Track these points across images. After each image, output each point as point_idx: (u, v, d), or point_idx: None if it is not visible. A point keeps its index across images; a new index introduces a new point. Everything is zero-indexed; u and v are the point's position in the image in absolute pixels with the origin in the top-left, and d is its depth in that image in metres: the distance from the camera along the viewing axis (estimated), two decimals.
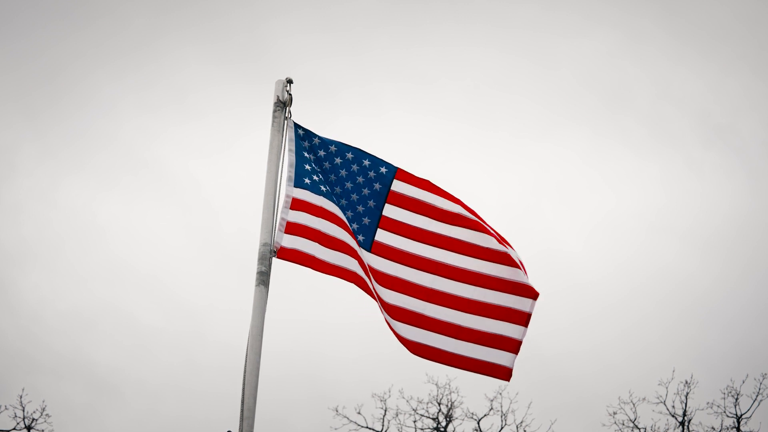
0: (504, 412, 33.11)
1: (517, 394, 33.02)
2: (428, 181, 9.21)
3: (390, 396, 33.37)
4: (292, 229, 8.75)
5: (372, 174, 9.12)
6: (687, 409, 32.71)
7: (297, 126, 9.15)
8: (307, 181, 8.93)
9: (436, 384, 33.32)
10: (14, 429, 31.11)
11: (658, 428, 32.73)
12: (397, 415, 33.30)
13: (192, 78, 52.33)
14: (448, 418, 33.28)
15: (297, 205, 8.82)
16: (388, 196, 9.11)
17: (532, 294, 8.94)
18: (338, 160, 9.12)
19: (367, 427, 33.08)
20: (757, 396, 32.47)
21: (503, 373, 8.91)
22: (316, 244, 8.78)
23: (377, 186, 9.10)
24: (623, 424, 32.79)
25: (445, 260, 9.00)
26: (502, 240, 9.12)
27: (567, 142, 53.93)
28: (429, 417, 33.34)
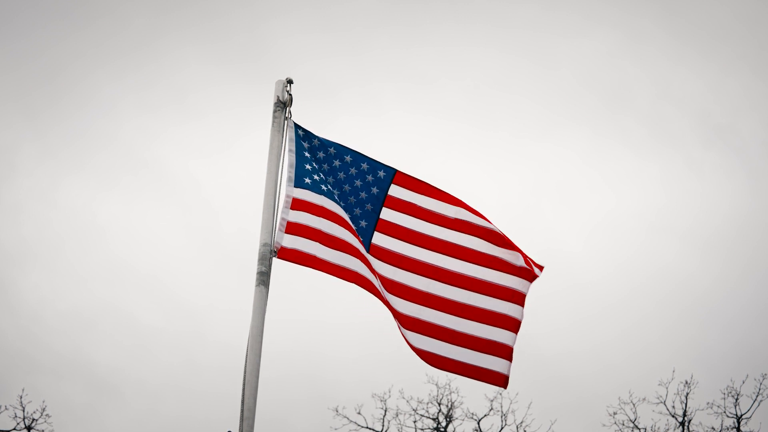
0: (504, 412, 33.12)
1: (517, 394, 33.03)
2: (427, 184, 9.20)
3: (390, 396, 33.39)
4: (293, 229, 8.75)
5: (370, 178, 9.12)
6: (687, 409, 32.72)
7: (297, 126, 9.15)
8: (307, 180, 8.93)
9: (436, 384, 33.33)
10: (14, 429, 31.11)
11: (658, 428, 32.75)
12: (397, 416, 33.31)
13: (192, 78, 52.35)
14: (448, 418, 33.28)
15: (297, 205, 8.82)
16: (385, 200, 9.11)
17: (521, 301, 8.96)
18: (337, 163, 9.12)
19: (367, 428, 33.08)
20: (757, 396, 32.47)
21: (499, 379, 8.90)
22: (317, 243, 8.78)
23: (375, 190, 9.11)
24: (623, 425, 32.80)
25: (441, 264, 9.01)
26: (505, 243, 9.10)
27: (567, 142, 53.94)
28: (429, 417, 33.34)
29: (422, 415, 33.27)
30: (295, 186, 8.88)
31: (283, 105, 9.15)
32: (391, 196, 9.14)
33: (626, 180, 52.26)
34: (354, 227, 8.97)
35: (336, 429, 32.90)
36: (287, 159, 8.98)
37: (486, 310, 8.90)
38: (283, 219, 8.77)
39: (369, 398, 33.48)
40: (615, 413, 32.83)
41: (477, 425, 33.21)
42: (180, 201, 51.33)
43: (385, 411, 33.24)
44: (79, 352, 43.19)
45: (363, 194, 9.11)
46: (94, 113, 50.00)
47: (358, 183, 9.11)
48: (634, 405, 32.86)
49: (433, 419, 33.34)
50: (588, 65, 54.37)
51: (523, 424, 32.90)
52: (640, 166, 52.37)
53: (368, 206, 9.07)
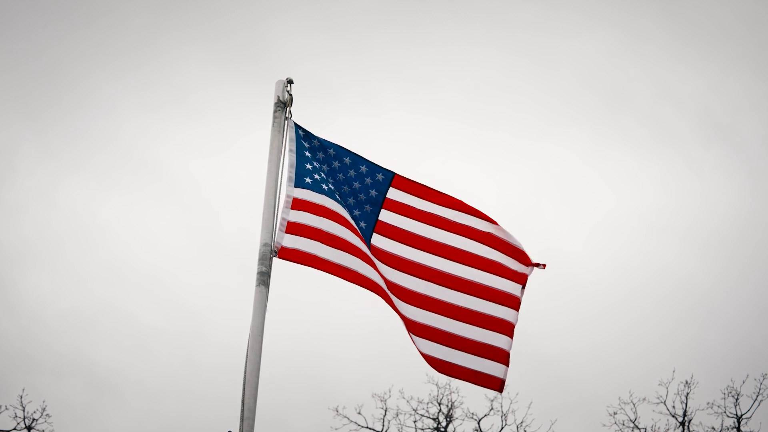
0: (504, 412, 33.12)
1: (517, 394, 33.04)
2: (425, 187, 9.20)
3: (390, 396, 33.39)
4: (293, 228, 8.75)
5: (368, 180, 9.13)
6: (687, 409, 32.72)
7: (297, 126, 9.15)
8: (308, 180, 8.93)
9: (436, 384, 33.34)
10: (14, 429, 31.12)
11: (659, 428, 32.75)
12: (397, 416, 33.31)
13: (192, 78, 52.35)
14: (449, 418, 33.28)
15: (298, 204, 8.82)
16: (384, 203, 9.11)
17: (516, 305, 8.96)
18: (336, 164, 9.13)
19: (367, 427, 33.08)
20: (757, 396, 32.47)
21: (495, 383, 8.88)
22: (318, 243, 8.78)
23: (373, 192, 9.11)
24: (623, 425, 32.80)
25: (439, 267, 9.01)
26: (504, 247, 9.10)
27: (567, 142, 53.93)
28: (429, 417, 33.34)
29: (422, 415, 33.29)
30: (296, 186, 8.88)
31: (283, 105, 9.16)
32: (389, 199, 9.14)
33: (626, 180, 52.28)
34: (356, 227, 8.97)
35: (336, 429, 32.93)
36: (287, 159, 8.98)
37: (483, 314, 8.90)
38: (283, 219, 8.77)
39: (369, 398, 33.51)
40: (615, 413, 32.85)
41: (477, 425, 33.22)
42: (180, 201, 51.35)
43: (386, 411, 33.26)
44: (79, 352, 43.21)
45: (362, 195, 9.11)
46: (94, 113, 50.03)
47: (356, 185, 9.11)
48: (634, 405, 32.88)
49: (434, 419, 33.34)
50: (588, 65, 54.40)
51: (524, 424, 32.93)
52: (640, 166, 52.39)
53: (367, 207, 9.08)
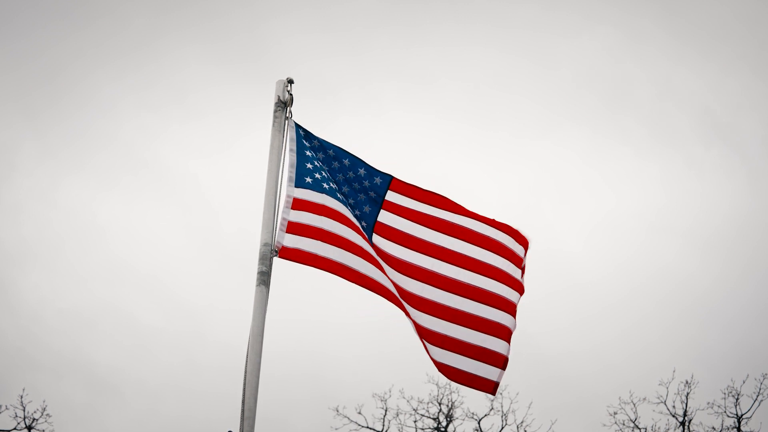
0: (504, 412, 33.12)
1: (517, 394, 33.04)
2: (423, 190, 9.21)
3: (390, 396, 33.40)
4: (294, 228, 8.75)
5: (367, 183, 9.15)
6: (687, 409, 32.72)
7: (298, 126, 9.15)
8: (308, 180, 8.93)
9: (436, 384, 33.34)
10: (15, 429, 31.12)
11: (659, 428, 32.75)
12: (397, 415, 33.31)
13: (192, 78, 52.36)
14: (449, 418, 33.28)
15: (298, 204, 8.82)
16: (383, 204, 9.13)
17: (512, 310, 8.97)
18: (335, 164, 9.14)
19: (367, 427, 33.08)
20: (757, 396, 32.47)
21: (488, 386, 8.90)
22: (319, 242, 8.78)
23: (372, 194, 9.13)
24: (624, 424, 32.80)
25: (436, 269, 9.02)
26: (503, 250, 9.11)
27: (567, 142, 53.96)
28: (429, 417, 33.34)
29: (423, 415, 33.29)
30: (296, 186, 8.88)
31: (283, 105, 9.15)
32: (388, 201, 9.15)
33: (626, 180, 52.29)
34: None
35: (336, 429, 32.93)
36: (288, 158, 8.98)
37: (478, 317, 8.91)
38: (284, 219, 8.76)
39: (369, 398, 33.52)
40: (615, 413, 32.85)
41: (477, 425, 33.22)
42: (180, 201, 51.35)
43: (386, 411, 33.26)
44: (79, 352, 43.22)
45: (362, 196, 9.12)
46: (94, 113, 50.05)
47: (356, 185, 9.13)
48: (634, 405, 32.88)
49: (434, 419, 33.35)
50: (588, 65, 54.40)
51: (524, 424, 32.93)
52: (640, 166, 52.40)
53: (366, 208, 9.09)
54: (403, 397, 33.32)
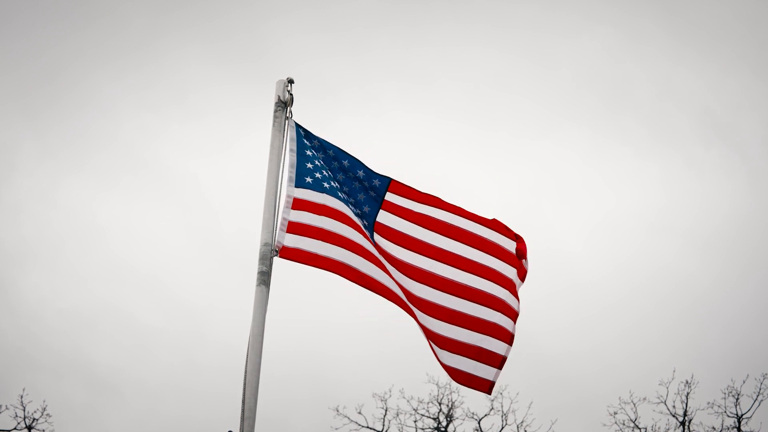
0: (504, 412, 33.13)
1: (517, 394, 33.05)
2: (421, 192, 9.22)
3: (391, 396, 33.41)
4: (295, 228, 8.75)
5: (366, 184, 9.16)
6: (687, 409, 32.73)
7: (298, 126, 9.15)
8: (308, 179, 8.93)
9: (436, 384, 33.36)
10: (15, 429, 31.13)
11: (659, 428, 32.76)
12: (397, 415, 33.32)
13: (192, 78, 52.37)
14: (449, 418, 33.29)
15: (298, 204, 8.82)
16: (382, 204, 9.14)
17: (513, 315, 8.97)
18: (335, 164, 9.14)
19: (367, 427, 33.08)
20: (757, 396, 32.49)
21: (484, 386, 8.93)
22: (320, 241, 8.78)
23: (372, 193, 9.14)
24: (624, 424, 32.81)
25: (434, 270, 9.03)
26: (501, 253, 9.11)
27: (567, 142, 53.97)
28: (430, 417, 33.35)
29: (423, 415, 33.30)
30: (296, 186, 8.88)
31: (284, 105, 9.15)
32: (387, 201, 9.17)
33: (626, 180, 52.31)
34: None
35: (337, 429, 32.94)
36: (288, 158, 8.97)
37: (477, 318, 8.93)
38: (284, 219, 8.76)
39: (370, 398, 33.53)
40: (615, 413, 32.86)
41: (477, 425, 33.23)
42: (180, 201, 51.36)
43: (386, 411, 33.27)
44: (79, 352, 43.22)
45: (361, 196, 9.13)
46: (94, 113, 50.06)
47: (356, 185, 9.14)
48: (634, 405, 32.90)
49: (434, 419, 33.35)
50: (588, 65, 54.40)
51: (524, 424, 32.94)
52: (640, 166, 52.42)
53: (366, 208, 9.10)
54: (403, 397, 33.36)
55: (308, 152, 9.07)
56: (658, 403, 32.76)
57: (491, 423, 33.30)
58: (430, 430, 33.26)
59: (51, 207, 48.94)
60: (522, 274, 9.17)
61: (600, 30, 54.47)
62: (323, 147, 9.17)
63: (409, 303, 8.89)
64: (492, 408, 33.17)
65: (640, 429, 32.71)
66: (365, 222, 9.05)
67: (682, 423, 32.57)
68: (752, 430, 32.36)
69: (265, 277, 8.47)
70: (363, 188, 9.15)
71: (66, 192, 49.59)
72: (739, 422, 32.35)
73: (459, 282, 9.01)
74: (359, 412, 33.12)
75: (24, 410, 31.12)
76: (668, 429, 32.71)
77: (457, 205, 9.30)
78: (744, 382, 32.61)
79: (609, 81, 53.42)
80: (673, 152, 53.35)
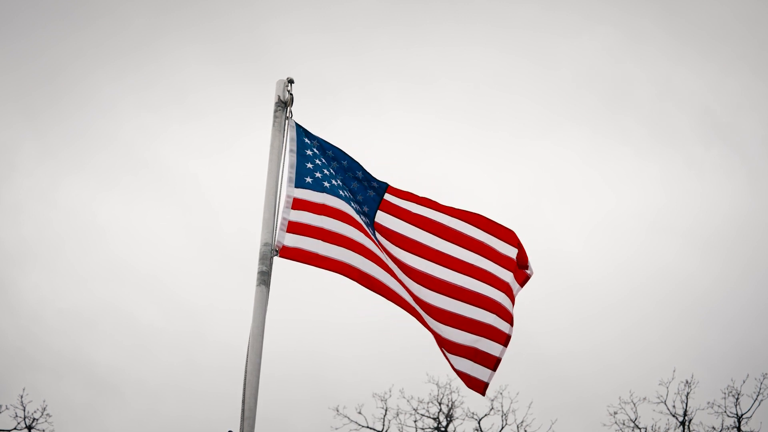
0: (504, 411, 33.13)
1: (517, 394, 33.07)
2: (419, 196, 9.24)
3: (391, 396, 33.41)
4: (295, 228, 8.75)
5: (365, 184, 9.18)
6: (687, 408, 32.73)
7: (298, 126, 9.15)
8: (308, 180, 8.93)
9: (436, 384, 33.37)
10: (15, 429, 31.13)
11: (659, 428, 32.76)
12: (397, 415, 33.32)
13: (192, 78, 52.38)
14: (449, 417, 33.29)
15: (298, 204, 8.82)
16: (380, 204, 9.15)
17: (509, 317, 8.98)
18: (335, 165, 9.15)
19: (367, 427, 33.09)
20: (757, 396, 32.49)
21: (477, 386, 8.95)
22: (320, 241, 8.78)
23: (371, 193, 9.16)
24: (624, 424, 32.82)
25: (429, 272, 9.04)
26: (497, 257, 9.12)
27: (567, 142, 53.98)
28: (430, 417, 33.35)
29: (423, 415, 33.30)
30: (296, 186, 8.88)
31: (284, 105, 9.15)
32: (386, 201, 9.18)
33: (626, 180, 52.32)
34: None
35: (337, 429, 32.94)
36: (288, 159, 8.97)
37: (472, 320, 8.95)
38: (284, 219, 8.76)
39: (370, 398, 33.54)
40: (615, 413, 32.87)
41: (477, 425, 33.23)
42: (180, 201, 51.37)
43: (386, 411, 33.27)
44: (79, 352, 43.23)
45: (360, 197, 9.14)
46: (94, 113, 50.07)
47: (355, 185, 9.15)
48: (634, 405, 32.90)
49: (434, 419, 33.35)
50: (588, 65, 54.41)
51: (524, 424, 32.94)
52: (640, 166, 52.43)
53: (365, 208, 9.11)
54: (403, 397, 33.36)
55: (308, 152, 9.07)
56: (658, 403, 32.79)
57: (491, 423, 33.33)
58: (430, 430, 33.27)
59: (51, 207, 48.98)
60: (521, 279, 9.18)
61: (600, 30, 54.50)
62: (323, 148, 9.17)
63: (413, 303, 8.90)
64: (492, 408, 33.20)
65: (640, 429, 32.72)
66: (366, 219, 9.06)
67: (682, 423, 32.58)
68: (752, 430, 32.39)
69: (265, 277, 8.47)
70: (363, 188, 9.17)
71: (66, 192, 49.64)
72: (739, 422, 32.36)
73: (454, 283, 9.02)
74: (359, 412, 33.15)
75: (24, 410, 31.15)
76: (668, 429, 32.74)
77: (456, 207, 9.32)
78: (744, 382, 32.64)
79: (609, 81, 53.46)
80: (673, 152, 53.39)
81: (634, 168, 52.03)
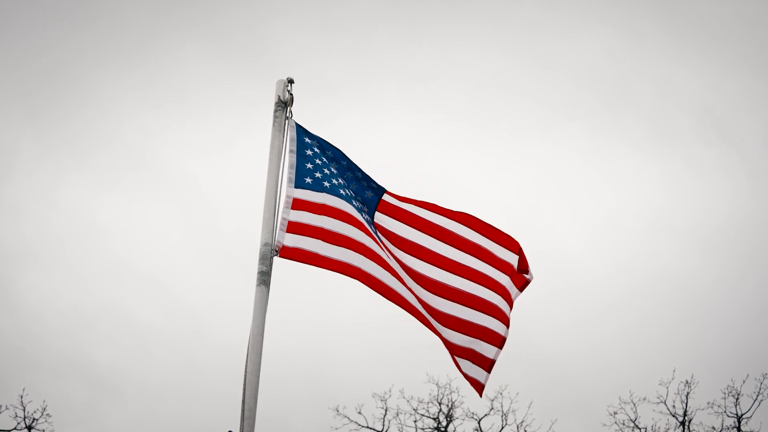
0: (504, 411, 33.13)
1: (517, 394, 33.06)
2: (416, 200, 9.24)
3: (390, 396, 33.42)
4: (294, 228, 8.75)
5: (364, 184, 9.19)
6: (687, 408, 32.73)
7: (298, 126, 9.15)
8: (308, 180, 8.93)
9: (436, 384, 33.36)
10: (15, 429, 31.13)
11: (659, 428, 32.76)
12: (397, 415, 33.32)
13: (192, 77, 52.39)
14: (449, 418, 33.29)
15: (298, 205, 8.82)
16: (378, 205, 9.16)
17: (506, 321, 8.99)
18: (335, 165, 9.16)
19: (367, 427, 33.09)
20: (757, 396, 32.50)
21: (476, 386, 8.98)
22: (319, 241, 8.78)
23: (369, 194, 9.16)
24: (624, 424, 32.82)
25: (425, 273, 9.05)
26: (494, 261, 9.12)
27: (567, 141, 53.98)
28: (429, 417, 33.35)
29: (423, 415, 33.30)
30: (296, 186, 8.88)
31: (284, 104, 9.14)
32: (384, 201, 9.20)
33: (626, 180, 52.33)
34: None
35: (336, 429, 32.94)
36: (288, 159, 8.97)
37: (467, 321, 8.96)
38: (283, 219, 8.76)
39: (369, 398, 33.54)
40: (615, 413, 32.87)
41: (477, 425, 33.23)
42: (180, 200, 51.38)
43: (386, 411, 33.27)
44: (79, 352, 43.24)
45: (359, 197, 9.15)
46: (94, 113, 50.08)
47: (353, 187, 9.15)
48: (634, 405, 32.90)
49: (434, 419, 33.35)
50: (588, 65, 54.41)
51: (524, 424, 32.94)
52: (640, 166, 52.44)
53: (365, 208, 9.11)
54: (403, 397, 33.37)
55: (308, 152, 9.07)
56: (658, 403, 32.79)
57: (491, 423, 33.33)
58: (430, 430, 33.27)
59: (51, 207, 48.98)
60: (520, 284, 9.17)
61: (600, 30, 54.51)
62: (322, 148, 9.17)
63: (414, 302, 8.91)
64: (492, 408, 33.20)
65: (640, 429, 32.72)
66: (368, 217, 9.07)
67: (682, 423, 32.58)
68: (752, 430, 32.40)
69: (265, 277, 8.47)
70: (362, 188, 9.17)
71: (66, 192, 49.64)
72: (739, 422, 32.36)
73: (449, 285, 9.03)
74: (359, 412, 33.15)
75: (24, 410, 31.15)
76: (668, 429, 32.74)
77: (455, 210, 9.33)
78: (744, 382, 32.65)
79: (609, 81, 53.47)
80: (673, 152, 53.38)
81: (634, 168, 52.07)
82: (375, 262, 8.84)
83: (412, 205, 9.24)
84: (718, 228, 48.27)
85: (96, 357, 42.70)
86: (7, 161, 48.20)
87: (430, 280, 9.04)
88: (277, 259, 8.62)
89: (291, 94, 9.18)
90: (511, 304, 9.10)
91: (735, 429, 32.34)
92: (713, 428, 32.35)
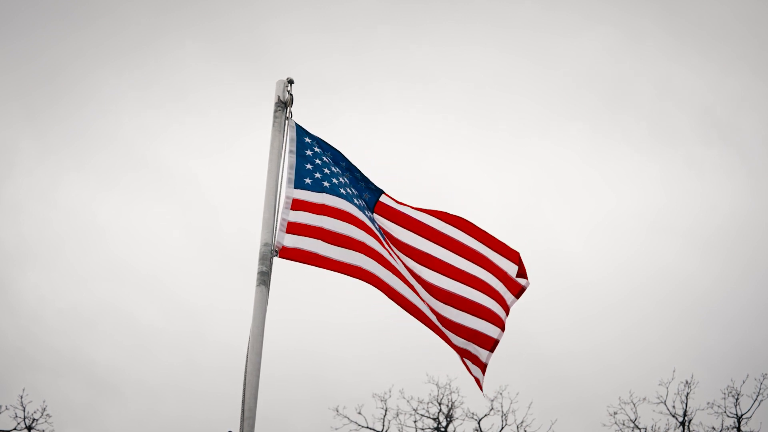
0: (504, 412, 33.12)
1: (517, 394, 33.05)
2: (411, 206, 9.27)
3: (390, 396, 33.42)
4: (294, 228, 8.75)
5: (362, 184, 9.20)
6: (687, 409, 32.74)
7: (298, 126, 9.15)
8: (307, 180, 8.94)
9: (436, 384, 33.36)
10: (15, 429, 31.13)
11: (659, 428, 32.77)
12: (397, 415, 33.32)
13: (192, 77, 52.39)
14: (449, 418, 33.29)
15: (298, 205, 8.82)
16: (375, 206, 9.18)
17: (500, 324, 9.00)
18: (334, 167, 9.17)
19: (367, 427, 33.09)
20: (757, 396, 32.50)
21: (478, 384, 9.01)
22: (319, 241, 8.79)
23: (366, 195, 9.18)
24: (624, 424, 32.82)
25: (421, 275, 9.06)
26: (490, 266, 9.13)
27: (567, 141, 53.96)
28: (429, 417, 33.35)
29: (423, 415, 33.30)
30: (295, 187, 8.88)
31: (283, 105, 9.15)
32: (381, 203, 9.21)
33: (626, 180, 52.33)
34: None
35: (336, 429, 32.94)
36: (287, 160, 8.97)
37: (460, 324, 9.00)
38: (283, 219, 8.76)
39: (369, 398, 33.54)
40: (615, 413, 32.88)
41: (477, 425, 33.23)
42: (180, 200, 51.37)
43: (386, 411, 33.27)
44: (78, 352, 43.24)
45: (359, 197, 9.16)
46: (94, 113, 50.08)
47: (353, 187, 9.17)
48: (634, 405, 32.91)
49: (434, 419, 33.35)
50: (588, 65, 54.42)
51: (524, 424, 32.94)
52: (640, 166, 52.43)
53: (365, 207, 9.12)
54: (403, 397, 33.37)
55: (308, 152, 9.07)
56: (658, 403, 32.79)
57: (491, 423, 33.33)
58: (430, 430, 33.28)
59: (51, 207, 48.98)
60: (516, 290, 9.19)
61: (600, 30, 54.50)
62: (322, 147, 9.18)
63: (416, 302, 8.91)
64: (492, 408, 33.20)
65: (640, 429, 32.73)
66: (369, 214, 9.08)
67: (682, 423, 32.58)
68: (752, 430, 32.40)
69: (265, 277, 8.47)
70: (361, 189, 9.19)
71: (66, 192, 49.64)
72: (739, 422, 32.36)
73: (442, 287, 9.05)
74: (359, 412, 33.15)
75: (24, 410, 31.15)
76: (668, 429, 32.74)
77: (452, 214, 9.35)
78: (744, 382, 32.65)
79: (609, 81, 53.48)
80: (673, 152, 53.37)
81: (634, 168, 52.07)
82: (376, 260, 8.84)
83: (408, 208, 9.26)
84: (718, 228, 48.30)
85: (96, 357, 42.73)
86: (7, 161, 48.23)
87: (425, 282, 9.06)
88: (277, 259, 8.62)
89: (291, 95, 9.19)
90: (506, 307, 9.11)
91: (735, 429, 32.34)
92: (713, 428, 32.37)
